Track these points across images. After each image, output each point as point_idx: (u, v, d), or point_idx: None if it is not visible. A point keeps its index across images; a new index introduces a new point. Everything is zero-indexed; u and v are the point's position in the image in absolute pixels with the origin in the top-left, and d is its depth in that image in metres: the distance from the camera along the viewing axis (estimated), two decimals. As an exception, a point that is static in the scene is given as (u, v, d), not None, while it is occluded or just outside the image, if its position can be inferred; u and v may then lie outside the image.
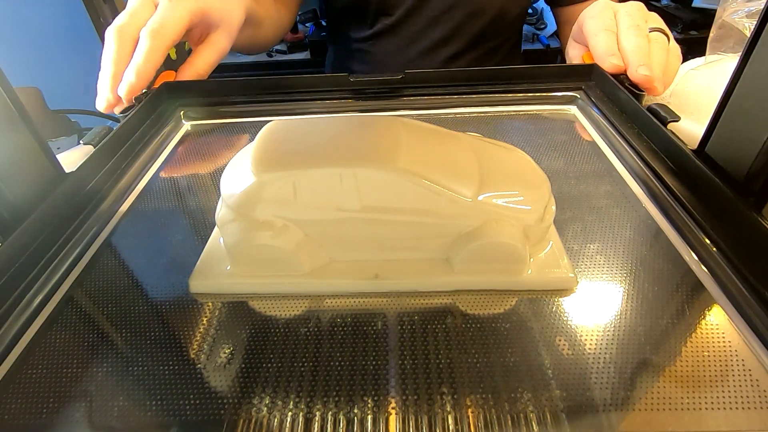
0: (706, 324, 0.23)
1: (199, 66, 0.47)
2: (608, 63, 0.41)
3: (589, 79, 0.44)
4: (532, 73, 0.44)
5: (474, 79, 0.44)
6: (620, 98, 0.38)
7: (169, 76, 0.45)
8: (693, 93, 0.42)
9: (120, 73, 0.41)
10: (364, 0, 0.66)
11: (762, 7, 0.25)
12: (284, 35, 0.71)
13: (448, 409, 0.20)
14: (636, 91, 0.38)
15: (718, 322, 0.23)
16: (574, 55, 0.50)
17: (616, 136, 0.36)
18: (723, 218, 0.26)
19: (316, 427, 0.19)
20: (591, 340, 0.22)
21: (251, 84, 0.45)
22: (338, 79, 0.44)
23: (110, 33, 0.42)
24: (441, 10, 0.65)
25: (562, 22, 0.72)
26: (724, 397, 0.20)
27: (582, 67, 0.44)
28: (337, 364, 0.22)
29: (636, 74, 0.39)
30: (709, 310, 0.23)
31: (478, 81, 0.44)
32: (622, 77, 0.40)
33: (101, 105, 0.42)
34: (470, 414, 0.19)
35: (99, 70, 0.42)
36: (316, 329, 0.23)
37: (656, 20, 0.45)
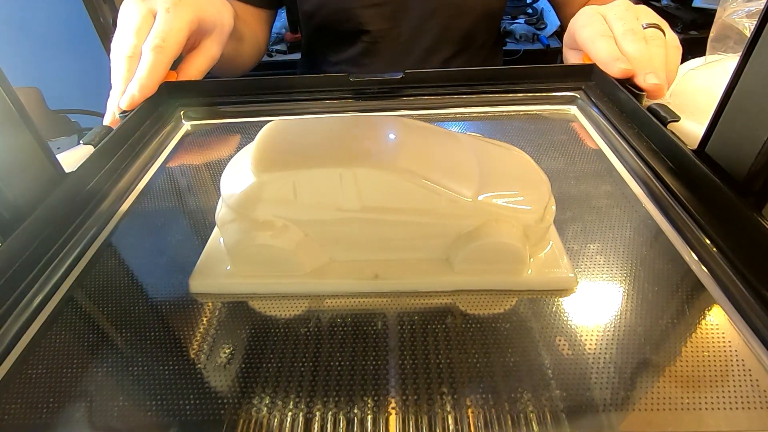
0: (706, 324, 0.23)
1: (190, 74, 0.47)
2: (616, 69, 0.40)
3: (589, 79, 0.44)
4: (532, 73, 0.44)
5: (474, 79, 0.44)
6: (620, 98, 0.38)
7: (170, 76, 0.45)
8: (693, 93, 0.42)
9: None
10: (340, 16, 0.63)
11: (762, 7, 0.25)
12: (258, 60, 0.68)
13: (448, 409, 0.20)
14: (636, 90, 0.38)
15: (718, 322, 0.23)
16: (572, 60, 0.49)
17: (616, 136, 0.36)
18: (723, 218, 0.26)
19: (316, 427, 0.19)
20: (591, 340, 0.22)
21: (251, 84, 0.45)
22: (338, 79, 0.43)
23: (119, 55, 0.42)
24: (422, 17, 0.63)
25: (558, 3, 0.70)
26: (724, 397, 0.20)
27: (582, 67, 0.44)
28: (337, 364, 0.22)
29: (645, 83, 0.38)
30: (709, 310, 0.23)
31: (478, 81, 0.44)
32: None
33: (107, 120, 0.42)
34: (470, 414, 0.19)
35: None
36: (316, 329, 0.23)
37: (647, 14, 0.44)
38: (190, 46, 0.49)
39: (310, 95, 0.44)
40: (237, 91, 0.45)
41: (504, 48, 1.29)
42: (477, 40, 0.68)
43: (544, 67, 0.44)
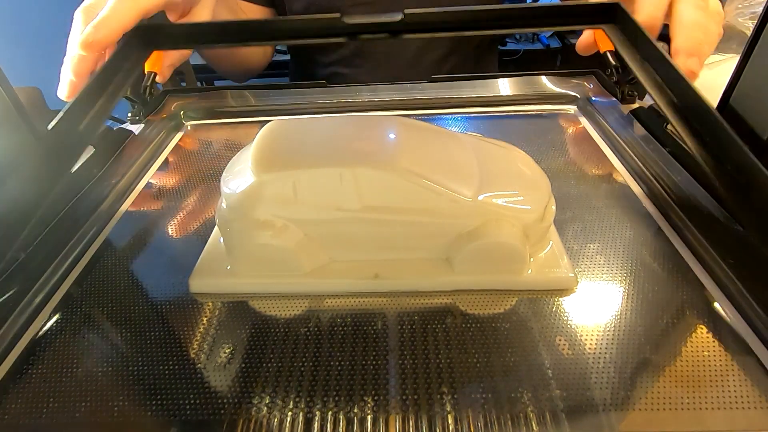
0: (706, 324, 0.23)
1: None
2: None
3: (612, 20, 0.34)
4: (546, 11, 0.38)
5: (481, 20, 0.36)
6: (643, 43, 0.31)
7: (157, 54, 0.41)
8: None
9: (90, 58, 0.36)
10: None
11: (762, 7, 0.25)
12: (266, 62, 0.67)
13: (448, 409, 0.20)
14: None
15: (718, 322, 0.23)
16: None
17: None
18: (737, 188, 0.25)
19: (316, 427, 0.19)
20: (591, 340, 0.22)
21: (232, 27, 0.38)
22: (330, 21, 0.39)
23: (79, 15, 0.37)
24: None
25: None
26: (724, 397, 0.20)
27: (604, 6, 0.37)
28: (337, 364, 0.22)
29: (683, 66, 0.33)
30: (709, 310, 0.23)
31: (485, 22, 0.36)
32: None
33: (63, 92, 0.37)
34: (470, 414, 0.19)
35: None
36: (316, 329, 0.23)
37: None
38: (180, 13, 0.44)
39: (299, 41, 0.39)
40: (217, 36, 0.38)
41: (504, 48, 1.30)
42: (472, 40, 0.66)
43: (562, 6, 0.34)
